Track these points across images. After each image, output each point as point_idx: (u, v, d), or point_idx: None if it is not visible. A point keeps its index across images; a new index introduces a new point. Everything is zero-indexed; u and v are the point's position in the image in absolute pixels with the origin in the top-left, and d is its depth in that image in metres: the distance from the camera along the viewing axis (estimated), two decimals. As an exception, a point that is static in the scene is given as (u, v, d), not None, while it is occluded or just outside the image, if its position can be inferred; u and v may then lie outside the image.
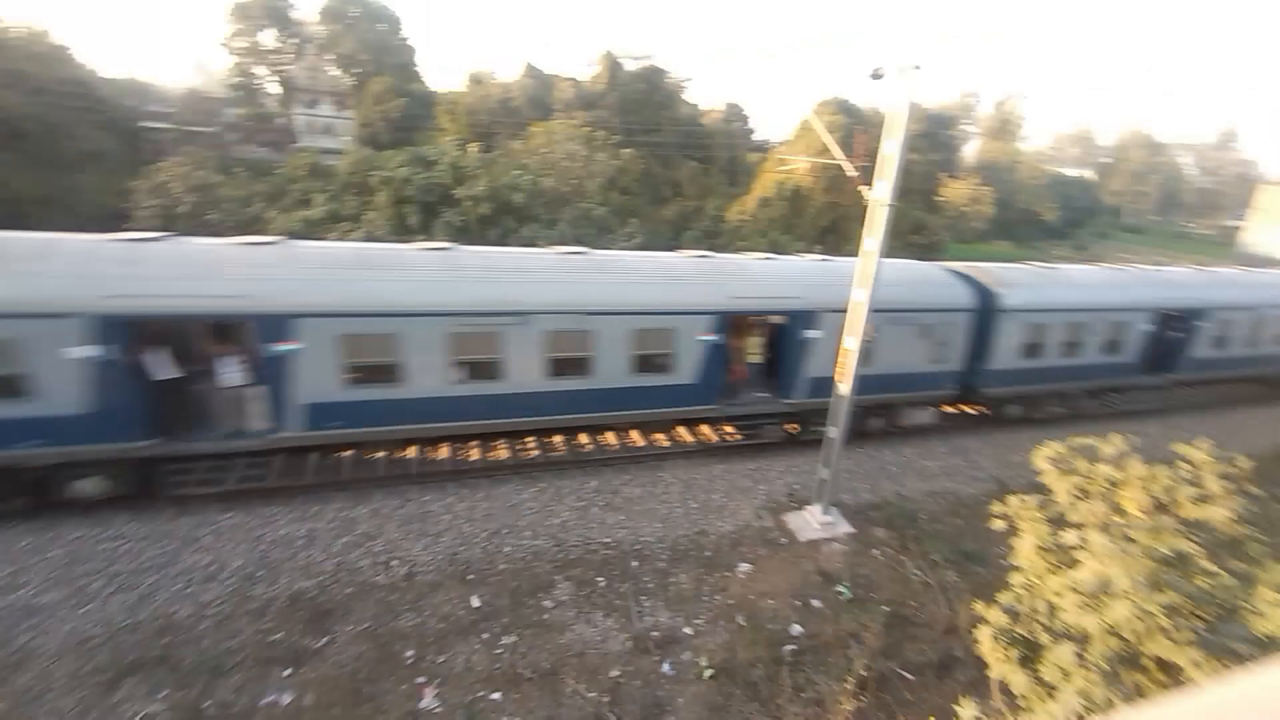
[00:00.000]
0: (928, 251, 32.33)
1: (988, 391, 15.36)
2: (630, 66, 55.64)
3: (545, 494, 11.78)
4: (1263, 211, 64.16)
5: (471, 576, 9.65)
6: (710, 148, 52.73)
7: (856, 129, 36.69)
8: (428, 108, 47.47)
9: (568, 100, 50.65)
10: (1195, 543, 7.23)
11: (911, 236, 36.42)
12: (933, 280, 14.83)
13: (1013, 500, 9.48)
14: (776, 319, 13.99)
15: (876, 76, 9.80)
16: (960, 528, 11.86)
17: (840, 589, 10.05)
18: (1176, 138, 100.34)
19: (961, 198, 49.45)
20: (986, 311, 14.73)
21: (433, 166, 24.96)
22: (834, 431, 10.97)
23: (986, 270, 16.00)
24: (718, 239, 32.69)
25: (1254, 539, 7.67)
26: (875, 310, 10.45)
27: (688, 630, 9.03)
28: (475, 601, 9.18)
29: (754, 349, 15.29)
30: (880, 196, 9.84)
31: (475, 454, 12.63)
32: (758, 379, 14.40)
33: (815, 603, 9.78)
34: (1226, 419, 18.57)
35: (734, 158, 54.80)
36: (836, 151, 17.01)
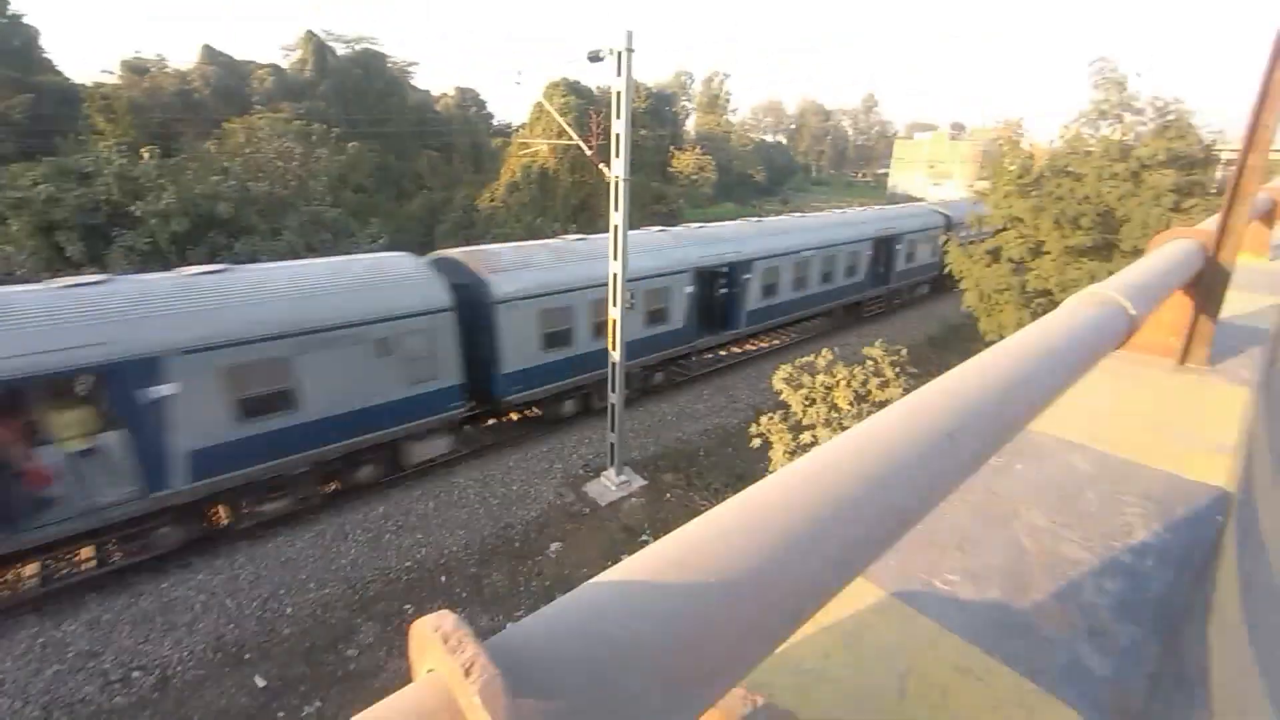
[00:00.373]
0: (668, 218, 35.44)
1: (507, 400, 12.96)
2: (341, 51, 50.14)
3: (325, 536, 10.55)
4: (898, 160, 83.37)
5: (249, 655, 8.32)
6: (449, 135, 50.40)
7: (590, 110, 38.30)
8: (72, 105, 37.15)
9: (269, 91, 43.87)
10: None
11: (654, 206, 39.52)
12: (387, 280, 11.19)
13: (763, 420, 11.24)
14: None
15: (595, 59, 10.31)
16: (731, 455, 13.59)
17: (644, 538, 10.87)
18: (837, 105, 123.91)
19: (690, 167, 54.95)
20: (476, 306, 12.24)
21: (91, 180, 19.79)
22: (614, 397, 11.65)
23: (484, 254, 13.44)
24: (472, 229, 31.71)
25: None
26: (286, 337, 9.67)
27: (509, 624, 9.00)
28: (260, 681, 7.97)
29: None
30: (618, 173, 10.45)
31: (222, 515, 10.59)
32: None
33: (624, 556, 10.43)
34: (891, 323, 23.95)
35: (476, 144, 53.16)
36: (572, 133, 17.61)
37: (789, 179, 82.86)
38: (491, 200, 34.79)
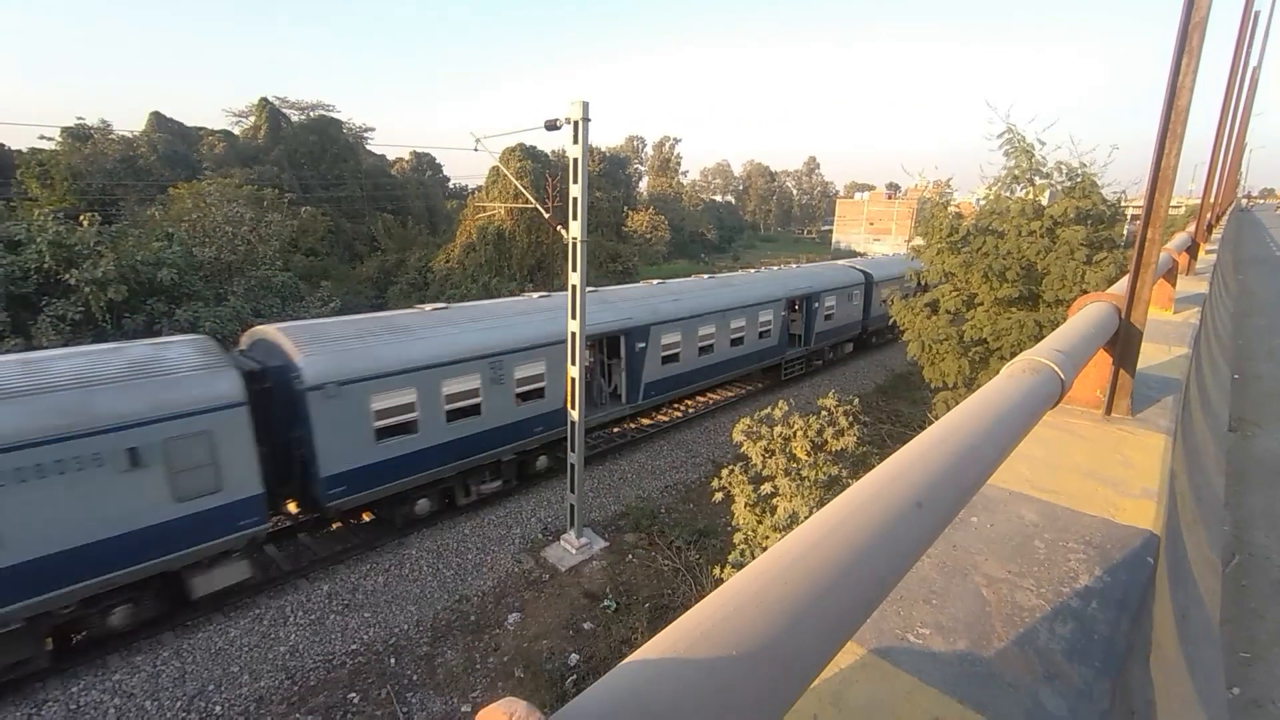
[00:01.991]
0: (624, 276, 36.22)
1: (332, 505, 10.61)
2: (296, 117, 50.51)
3: (263, 621, 9.80)
4: (840, 218, 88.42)
5: (171, 763, 7.51)
6: (404, 198, 50.76)
7: (546, 173, 39.41)
8: (4, 173, 35.81)
9: (220, 156, 43.51)
10: (839, 466, 9.80)
11: (610, 265, 40.38)
12: (151, 371, 8.85)
13: (724, 473, 11.29)
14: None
15: (552, 127, 10.74)
16: (693, 511, 13.50)
17: (606, 603, 10.53)
18: (781, 167, 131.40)
19: (644, 226, 56.77)
20: (286, 393, 10.06)
21: (21, 248, 18.90)
22: (574, 457, 11.50)
23: (303, 330, 11.06)
24: (426, 290, 31.55)
25: (871, 452, 10.51)
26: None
27: (466, 708, 8.44)
28: (181, 793, 7.17)
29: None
30: (576, 234, 10.71)
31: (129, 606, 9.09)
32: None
33: (587, 625, 10.06)
34: (841, 374, 24.77)
35: (431, 207, 53.69)
36: (529, 195, 18.04)
37: (738, 236, 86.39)
38: (447, 261, 34.85)
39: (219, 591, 9.64)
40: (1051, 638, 1.07)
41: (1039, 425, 2.12)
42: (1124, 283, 2.25)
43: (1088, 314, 1.96)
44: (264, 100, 48.91)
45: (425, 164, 67.49)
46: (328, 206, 40.38)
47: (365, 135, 58.29)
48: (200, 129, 48.01)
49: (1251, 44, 10.33)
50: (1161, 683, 1.63)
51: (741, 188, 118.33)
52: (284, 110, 50.04)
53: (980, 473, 0.91)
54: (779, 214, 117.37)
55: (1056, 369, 1.33)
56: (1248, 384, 6.80)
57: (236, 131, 49.74)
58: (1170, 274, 4.51)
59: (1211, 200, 11.85)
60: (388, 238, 40.96)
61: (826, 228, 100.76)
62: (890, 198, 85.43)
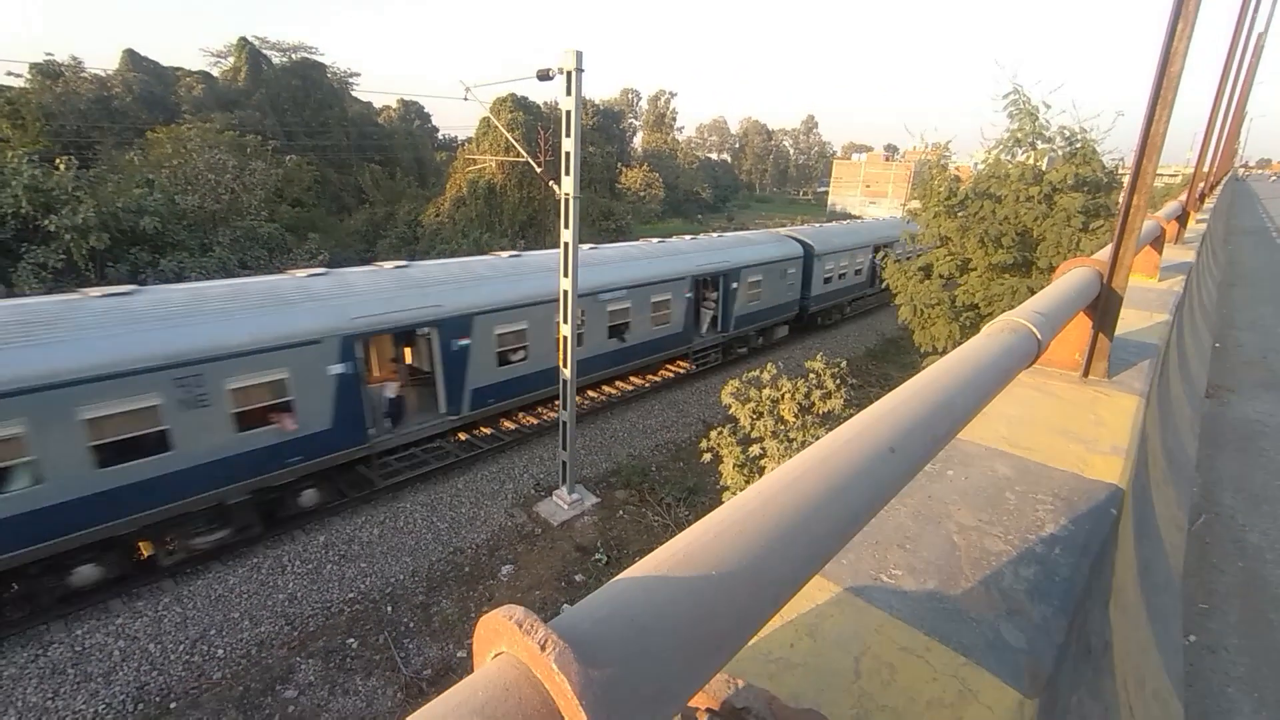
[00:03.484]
0: (617, 234, 35.80)
1: None
2: (277, 60, 48.51)
3: (261, 570, 10.02)
4: (837, 179, 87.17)
5: (175, 704, 7.80)
6: (392, 148, 49.39)
7: (538, 126, 38.36)
8: (-32, 111, 34.36)
9: (199, 99, 41.91)
10: (827, 428, 9.95)
11: (602, 223, 39.84)
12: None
13: (713, 434, 11.47)
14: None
15: (545, 77, 10.42)
16: (683, 469, 13.76)
17: (597, 557, 10.84)
18: (779, 125, 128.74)
19: (638, 184, 55.77)
20: None
21: (-6, 192, 18.35)
22: (565, 415, 11.63)
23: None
24: (416, 244, 31.10)
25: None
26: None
27: (461, 654, 8.75)
28: (187, 729, 7.47)
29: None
30: (568, 190, 10.53)
31: (148, 550, 9.83)
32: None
33: (579, 577, 10.38)
34: (832, 338, 24.91)
35: (420, 158, 52.34)
36: (521, 150, 17.64)
37: (734, 196, 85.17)
38: (437, 215, 34.23)
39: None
40: (1015, 579, 1.15)
41: (1018, 386, 2.19)
42: (1108, 250, 2.28)
43: (1071, 278, 2.00)
44: (243, 40, 46.85)
45: (414, 113, 65.45)
46: (313, 155, 39.26)
47: (350, 81, 56.24)
48: (177, 69, 46.06)
49: (1258, 9, 10.10)
50: (1120, 626, 1.74)
51: (738, 146, 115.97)
52: (265, 51, 47.98)
53: (953, 423, 0.96)
54: (775, 174, 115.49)
55: (1034, 329, 1.38)
56: (1227, 352, 6.94)
57: (215, 73, 47.79)
58: (1158, 242, 4.55)
59: (1206, 169, 11.79)
60: (376, 189, 40.05)
61: (823, 189, 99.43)
62: (888, 160, 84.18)
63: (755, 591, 0.56)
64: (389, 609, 9.48)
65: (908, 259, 17.34)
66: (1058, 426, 1.83)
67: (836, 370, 11.67)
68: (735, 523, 0.59)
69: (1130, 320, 3.22)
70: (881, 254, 25.45)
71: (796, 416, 11.36)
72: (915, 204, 17.94)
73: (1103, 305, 2.14)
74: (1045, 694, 0.94)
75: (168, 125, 30.18)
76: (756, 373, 11.95)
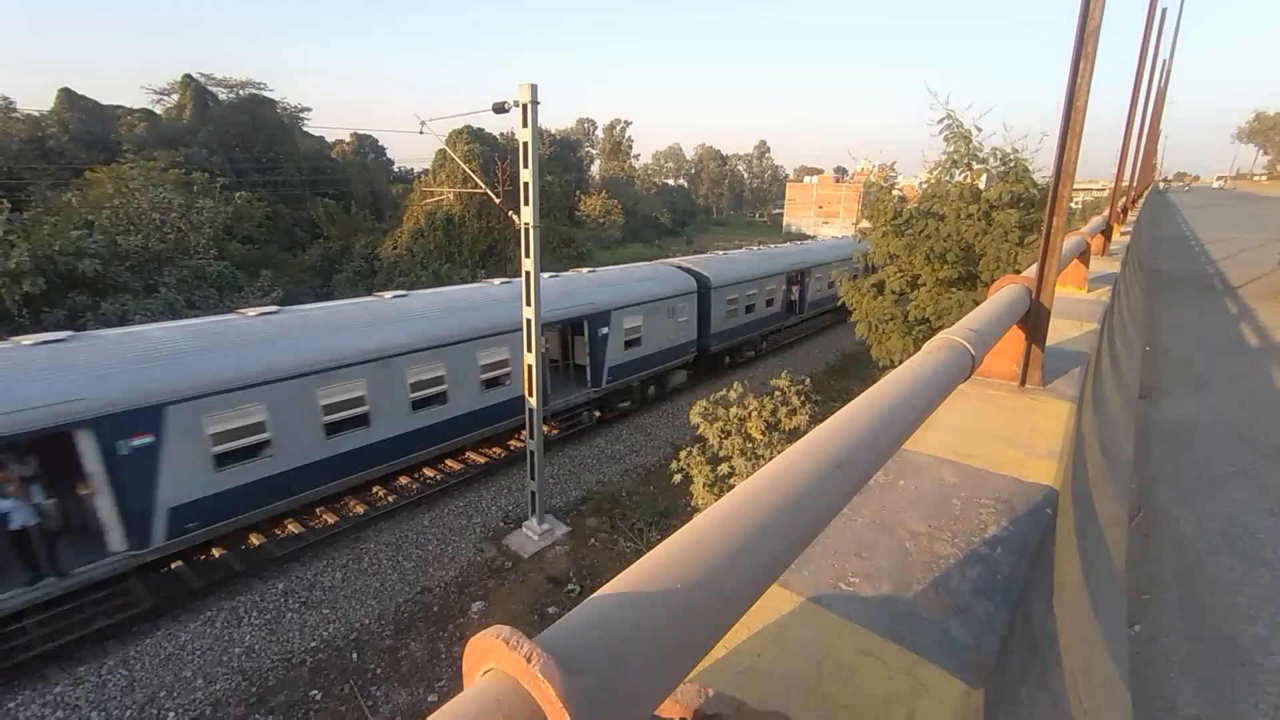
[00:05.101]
0: (578, 261, 35.98)
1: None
2: (224, 96, 47.60)
3: (214, 624, 9.52)
4: (790, 201, 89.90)
5: (122, 772, 7.29)
6: (346, 182, 48.78)
7: (495, 156, 38.54)
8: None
9: (141, 138, 40.68)
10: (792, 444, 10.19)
11: (563, 250, 40.02)
12: None
13: (682, 455, 11.53)
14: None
15: (500, 110, 10.55)
16: (653, 493, 13.74)
17: (570, 587, 10.67)
18: (732, 150, 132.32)
19: (597, 210, 56.38)
20: None
21: (-86, 238, 17.38)
22: (533, 444, 11.52)
23: None
24: (374, 278, 30.62)
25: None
26: None
27: (433, 698, 8.46)
28: (136, 800, 6.98)
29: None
30: (528, 220, 10.60)
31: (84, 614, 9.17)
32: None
33: (551, 609, 10.18)
34: (794, 355, 25.49)
35: (376, 191, 51.81)
36: (478, 181, 17.68)
37: (692, 220, 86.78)
38: (394, 248, 33.83)
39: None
40: (962, 580, 1.24)
41: (962, 398, 2.33)
42: (1035, 266, 2.46)
43: (1002, 295, 2.16)
44: (188, 77, 45.92)
45: (368, 146, 64.95)
46: (264, 191, 38.45)
47: (301, 116, 55.55)
48: (117, 108, 44.71)
49: (1161, 38, 11.04)
50: (1066, 620, 1.85)
51: (694, 171, 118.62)
52: (211, 88, 47.09)
53: (894, 438, 1.05)
54: (731, 198, 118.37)
55: (968, 345, 1.50)
56: (1157, 355, 7.41)
57: (158, 110, 46.58)
58: (1085, 255, 4.88)
59: (1126, 184, 12.65)
60: (330, 223, 39.37)
61: (778, 211, 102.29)
62: (838, 181, 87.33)
63: (718, 601, 0.62)
64: (354, 656, 9.11)
65: (853, 278, 17.95)
66: (998, 434, 1.96)
67: (800, 387, 11.94)
68: (697, 540, 0.65)
69: (1062, 330, 3.45)
70: (797, 284, 25.43)
71: (764, 434, 11.54)
72: (865, 224, 18.65)
73: (1033, 318, 2.31)
74: (991, 685, 1.01)
75: (108, 165, 29.19)
76: (724, 392, 12.13)
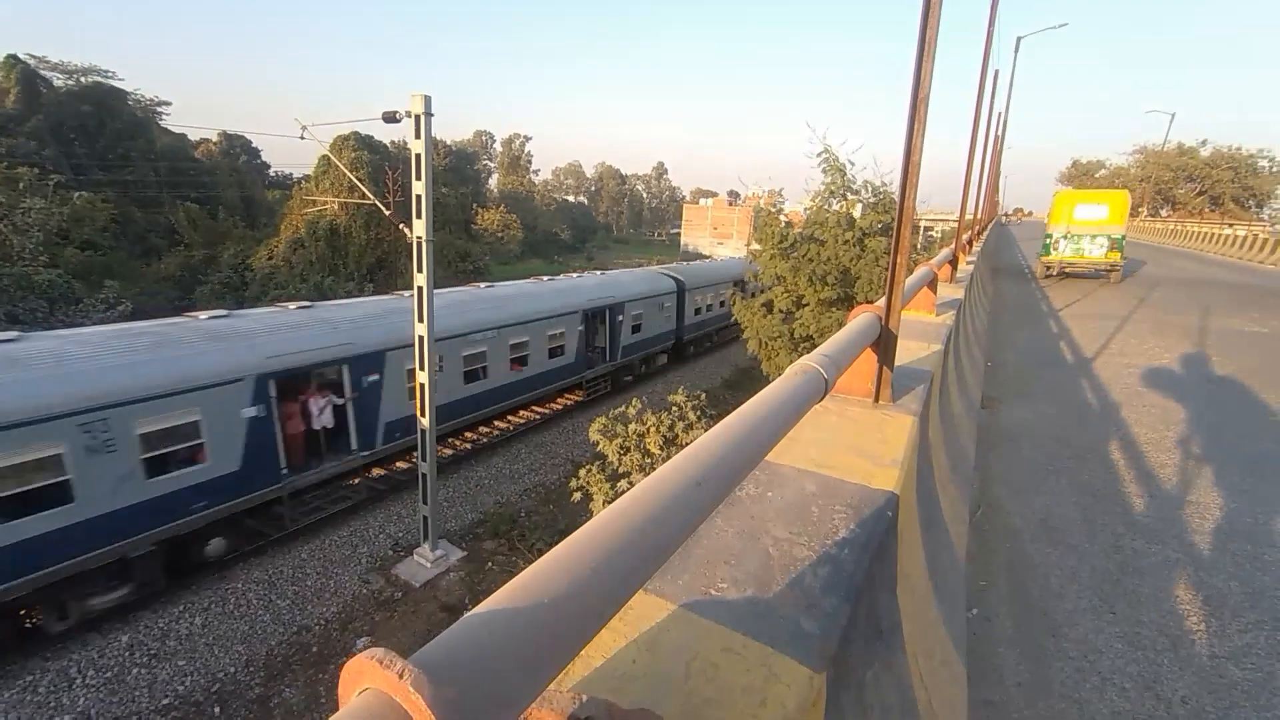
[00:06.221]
0: (475, 276, 35.07)
1: None
2: (60, 83, 41.75)
3: (37, 690, 8.18)
4: (688, 222, 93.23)
5: None
6: (214, 185, 44.34)
7: (385, 166, 36.69)
8: None
9: (-56, 122, 34.63)
10: None
11: (460, 264, 38.84)
12: None
13: (582, 472, 11.53)
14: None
15: (391, 119, 10.14)
16: (553, 512, 13.59)
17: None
18: (632, 170, 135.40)
19: (495, 224, 55.33)
20: None
21: None
22: (425, 466, 11.02)
23: None
24: (244, 290, 28.03)
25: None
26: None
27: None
28: None
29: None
30: (420, 233, 10.22)
31: None
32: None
33: (446, 640, 9.74)
34: (691, 370, 26.37)
35: (248, 196, 47.54)
36: (366, 190, 16.79)
37: (593, 237, 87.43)
38: (270, 259, 31.17)
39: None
40: (814, 578, 1.40)
41: (826, 414, 2.59)
42: (884, 298, 2.79)
43: (857, 322, 2.44)
44: (13, 58, 39.87)
45: (239, 147, 59.49)
46: (110, 191, 34.10)
47: (159, 110, 49.96)
48: (-84, 88, 37.84)
49: (995, 93, 12.80)
50: (910, 608, 2.11)
51: (594, 189, 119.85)
52: (44, 72, 41.18)
53: (751, 456, 1.19)
54: (631, 216, 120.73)
55: (821, 370, 1.70)
56: (996, 370, 8.50)
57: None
58: (933, 284, 5.55)
59: (971, 219, 14.40)
60: (193, 229, 35.58)
61: (675, 230, 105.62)
62: (731, 204, 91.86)
63: (582, 611, 0.70)
64: (216, 710, 8.18)
65: (751, 296, 18.99)
66: (853, 446, 2.21)
67: (697, 402, 12.38)
68: (565, 556, 0.73)
69: (913, 350, 3.91)
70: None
71: (662, 449, 11.82)
72: (756, 246, 19.78)
73: (883, 342, 2.63)
74: (834, 669, 1.17)
75: (-101, 151, 24.68)
76: (622, 409, 12.30)
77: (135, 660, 8.76)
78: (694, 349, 26.98)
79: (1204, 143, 60.17)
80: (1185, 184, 61.65)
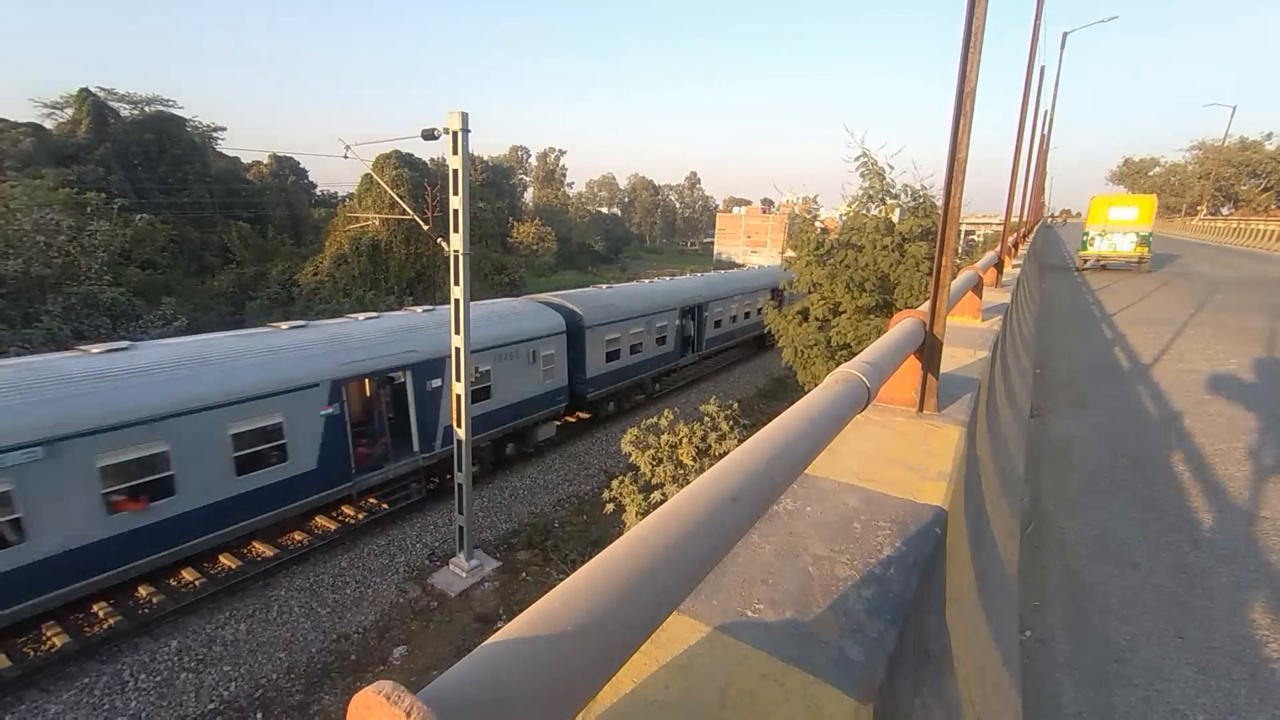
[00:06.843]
0: (511, 289, 35.63)
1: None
2: (127, 112, 44.36)
3: (93, 692, 8.52)
4: (721, 231, 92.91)
5: None
6: (263, 205, 46.34)
7: (424, 182, 37.73)
8: None
9: (26, 154, 37.17)
10: None
11: (495, 277, 39.52)
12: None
13: (614, 483, 11.48)
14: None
15: (430, 137, 10.40)
16: (586, 523, 13.57)
17: (500, 625, 10.30)
18: (664, 181, 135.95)
19: (530, 237, 56.18)
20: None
21: None
22: (461, 476, 11.15)
23: None
24: (292, 305, 29.07)
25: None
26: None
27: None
28: None
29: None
30: (456, 247, 10.42)
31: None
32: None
33: (481, 650, 9.78)
34: (726, 380, 26.12)
35: (296, 215, 49.49)
36: (406, 207, 17.26)
37: (626, 248, 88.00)
38: (315, 274, 32.31)
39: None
40: (858, 600, 1.32)
41: (868, 424, 2.48)
42: (929, 302, 2.68)
43: (900, 328, 2.34)
44: (85, 91, 42.58)
45: (288, 169, 62.07)
46: (169, 213, 35.96)
47: (215, 136, 52.61)
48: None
49: (1041, 92, 12.37)
50: (959, 629, 1.98)
51: (627, 200, 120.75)
52: (113, 104, 43.84)
53: (790, 469, 1.12)
54: (664, 226, 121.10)
55: (863, 378, 1.62)
56: (1046, 377, 8.13)
57: (49, 125, 42.85)
58: (978, 288, 5.34)
59: (1017, 221, 13.91)
60: (244, 248, 37.19)
61: (708, 240, 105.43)
62: (765, 212, 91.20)
63: (609, 641, 0.65)
64: (259, 715, 8.38)
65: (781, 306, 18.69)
66: (897, 459, 2.10)
67: (729, 412, 12.22)
68: (593, 578, 0.68)
69: (959, 358, 3.75)
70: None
71: (694, 460, 11.69)
72: (791, 253, 19.52)
73: (928, 349, 2.51)
74: (881, 699, 1.08)
75: (-16, 181, 26.52)
76: (655, 420, 12.23)
77: (184, 665, 9.05)
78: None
79: (1269, 136, 56.97)
80: (1249, 180, 58.49)
